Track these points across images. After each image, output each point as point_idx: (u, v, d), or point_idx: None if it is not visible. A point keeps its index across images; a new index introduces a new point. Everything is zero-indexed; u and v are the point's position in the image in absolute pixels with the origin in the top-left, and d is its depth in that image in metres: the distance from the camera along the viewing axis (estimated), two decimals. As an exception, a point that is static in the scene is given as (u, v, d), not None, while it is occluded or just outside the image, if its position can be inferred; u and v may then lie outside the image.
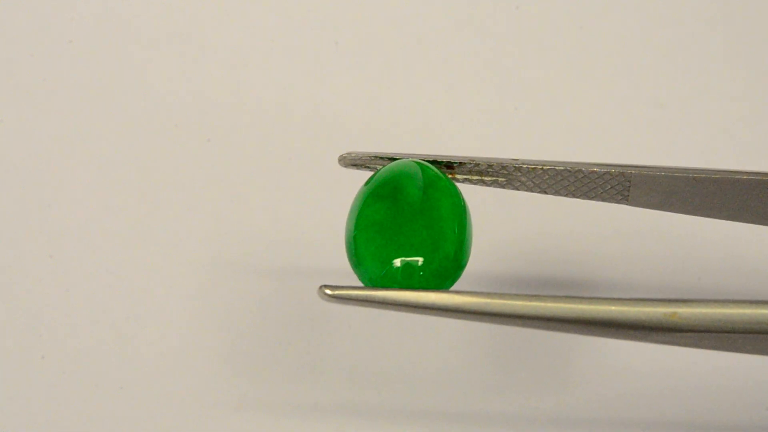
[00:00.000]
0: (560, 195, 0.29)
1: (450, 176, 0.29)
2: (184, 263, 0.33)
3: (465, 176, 0.29)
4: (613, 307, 0.26)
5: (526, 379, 0.32)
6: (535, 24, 0.35)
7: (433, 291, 0.26)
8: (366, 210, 0.28)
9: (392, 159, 0.29)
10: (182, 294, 0.32)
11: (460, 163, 0.29)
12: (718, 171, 0.29)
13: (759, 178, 0.28)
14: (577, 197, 0.29)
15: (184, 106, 0.34)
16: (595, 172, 0.28)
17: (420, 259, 0.27)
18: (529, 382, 0.32)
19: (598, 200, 0.29)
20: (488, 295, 0.26)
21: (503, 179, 0.29)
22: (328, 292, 0.26)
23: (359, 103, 0.34)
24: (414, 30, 0.35)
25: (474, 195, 0.31)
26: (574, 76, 0.35)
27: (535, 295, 0.26)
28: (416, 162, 0.28)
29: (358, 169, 0.29)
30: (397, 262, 0.27)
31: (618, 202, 0.29)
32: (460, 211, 0.28)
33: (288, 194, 0.33)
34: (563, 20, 0.35)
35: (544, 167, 0.28)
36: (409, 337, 0.32)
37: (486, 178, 0.29)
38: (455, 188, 0.28)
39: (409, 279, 0.27)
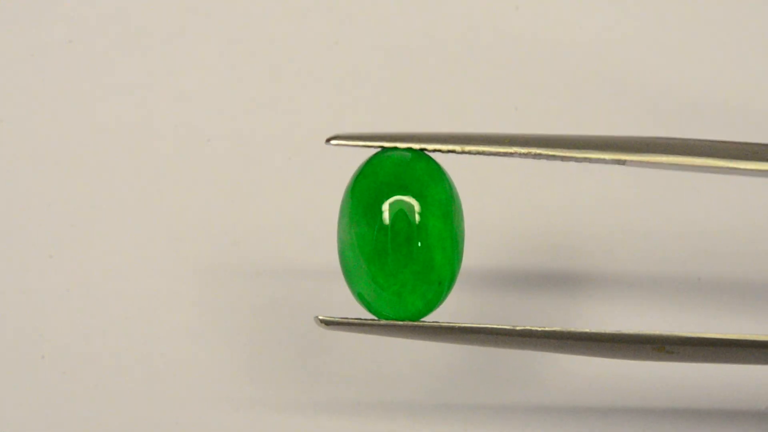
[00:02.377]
0: (555, 160, 0.29)
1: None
2: (184, 262, 0.33)
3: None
4: (602, 343, 0.28)
5: (516, 370, 0.32)
6: (535, 24, 0.35)
7: (422, 322, 0.28)
8: (351, 230, 0.28)
9: (381, 146, 0.29)
10: (183, 293, 0.32)
11: (450, 150, 0.29)
12: (717, 141, 0.29)
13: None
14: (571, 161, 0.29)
15: (184, 106, 0.34)
16: (589, 159, 0.28)
17: (408, 287, 0.28)
18: (519, 374, 0.32)
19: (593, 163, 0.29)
20: (478, 329, 0.28)
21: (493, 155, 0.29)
22: (322, 319, 0.28)
23: (359, 102, 0.34)
24: (413, 30, 0.35)
25: (462, 163, 0.30)
26: (574, 76, 0.35)
27: (525, 329, 0.28)
28: (402, 159, 0.28)
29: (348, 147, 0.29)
30: (386, 290, 0.28)
31: (614, 164, 0.29)
32: (450, 226, 0.28)
33: (288, 193, 0.33)
34: (563, 20, 0.35)
35: (537, 152, 0.28)
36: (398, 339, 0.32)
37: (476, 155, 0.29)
38: (445, 189, 0.28)
39: (398, 304, 0.28)
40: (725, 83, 0.35)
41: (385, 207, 0.28)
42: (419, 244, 0.27)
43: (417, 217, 0.28)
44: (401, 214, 0.27)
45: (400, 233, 0.27)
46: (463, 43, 0.35)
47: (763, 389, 0.31)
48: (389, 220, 0.27)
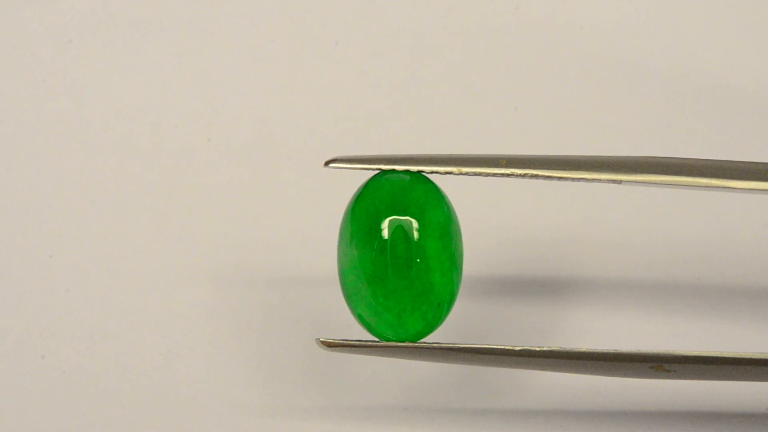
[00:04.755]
0: (552, 180, 0.29)
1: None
2: (185, 263, 0.33)
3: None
4: (599, 362, 0.28)
5: (509, 376, 0.32)
6: (536, 24, 0.35)
7: (422, 344, 0.28)
8: (351, 252, 0.28)
9: (379, 169, 0.29)
10: (183, 294, 0.32)
11: (447, 172, 0.29)
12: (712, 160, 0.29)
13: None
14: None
15: (184, 106, 0.34)
16: (585, 179, 0.29)
17: (408, 309, 0.28)
18: (512, 380, 0.32)
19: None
20: (477, 349, 0.28)
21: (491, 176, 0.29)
22: (323, 341, 0.29)
23: (359, 102, 0.34)
24: (413, 30, 0.35)
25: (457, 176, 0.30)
26: (574, 76, 0.35)
27: (525, 349, 0.28)
28: (400, 182, 0.28)
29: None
30: (386, 312, 0.28)
31: (610, 184, 0.29)
32: (449, 248, 0.28)
33: (291, 195, 0.33)
34: (563, 20, 0.35)
35: (534, 173, 0.29)
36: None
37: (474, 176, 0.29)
38: (443, 211, 0.28)
39: (398, 325, 0.28)
40: (726, 67, 0.35)
41: (385, 230, 0.28)
42: (418, 267, 0.28)
43: (416, 238, 0.28)
44: (400, 237, 0.28)
45: (399, 256, 0.28)
46: (462, 43, 0.35)
47: (763, 391, 0.31)
48: (389, 243, 0.28)
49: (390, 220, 0.28)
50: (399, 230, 0.28)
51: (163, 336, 0.32)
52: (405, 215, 0.28)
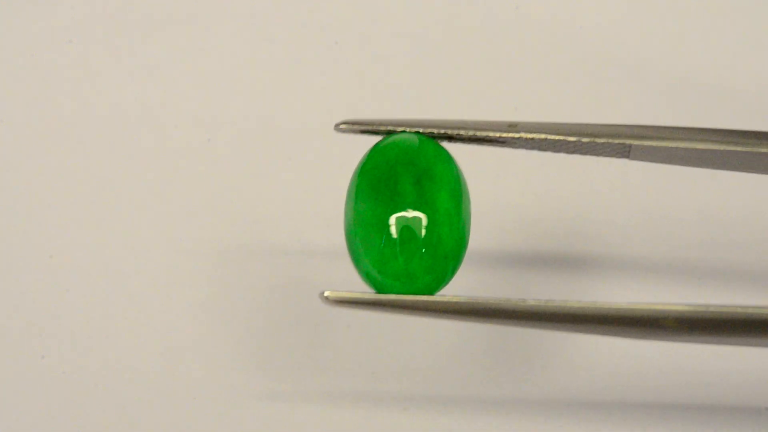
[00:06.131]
0: (560, 152, 0.29)
1: (448, 141, 0.29)
2: (185, 263, 0.33)
3: (462, 143, 0.29)
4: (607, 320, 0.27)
5: (519, 364, 0.32)
6: (536, 24, 0.35)
7: (429, 297, 0.27)
8: (359, 206, 0.28)
9: (389, 131, 0.29)
10: (183, 294, 0.32)
11: (458, 134, 0.29)
12: (721, 129, 0.29)
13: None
14: (577, 153, 0.29)
15: (184, 106, 0.34)
16: (595, 142, 0.28)
17: (415, 260, 0.27)
18: (523, 368, 0.32)
19: (598, 155, 0.29)
20: (479, 300, 0.27)
21: (501, 143, 0.29)
22: (328, 295, 0.27)
23: (360, 101, 0.34)
24: (413, 30, 0.35)
25: (469, 153, 0.30)
26: (574, 76, 0.35)
27: (536, 304, 0.27)
28: (411, 140, 0.28)
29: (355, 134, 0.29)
30: (394, 265, 0.27)
31: (619, 157, 0.29)
32: (458, 204, 0.28)
33: (291, 196, 0.33)
34: (563, 20, 0.35)
35: (543, 136, 0.28)
36: (408, 326, 0.32)
37: (483, 143, 0.29)
38: (453, 169, 0.28)
39: (406, 279, 0.28)
40: (725, 68, 0.35)
41: (395, 180, 0.28)
42: (427, 217, 0.27)
43: (425, 186, 0.28)
44: (410, 187, 0.28)
45: (408, 205, 0.27)
46: (462, 43, 0.35)
47: (763, 391, 0.31)
48: (399, 193, 0.27)
49: (400, 172, 0.28)
50: (409, 180, 0.28)
51: (163, 336, 0.32)
52: (415, 169, 0.28)
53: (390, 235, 0.27)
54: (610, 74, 0.35)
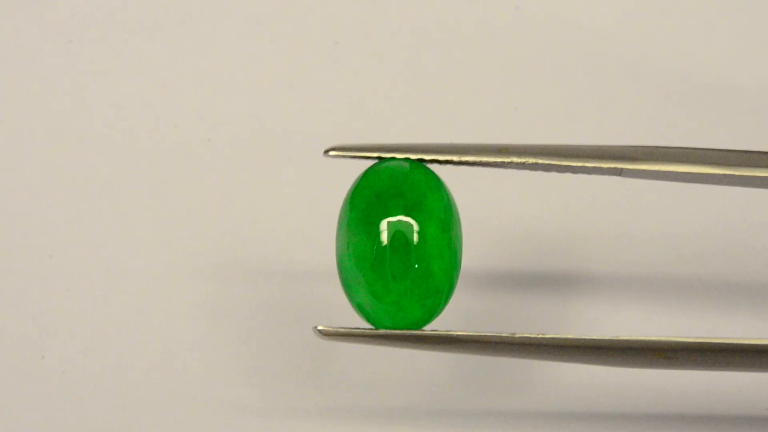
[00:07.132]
0: (550, 172, 0.29)
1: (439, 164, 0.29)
2: (185, 263, 0.33)
3: (453, 165, 0.29)
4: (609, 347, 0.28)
5: (512, 377, 0.32)
6: (536, 24, 0.35)
7: (421, 332, 0.28)
8: (350, 239, 0.28)
9: (379, 157, 0.29)
10: (183, 294, 0.32)
11: (447, 160, 0.29)
12: (710, 149, 0.29)
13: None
14: (568, 173, 0.29)
15: (184, 106, 0.34)
16: (586, 167, 0.28)
17: (407, 296, 0.28)
18: (516, 381, 0.32)
19: (590, 174, 0.29)
20: (472, 334, 0.28)
21: (492, 166, 0.29)
22: (321, 329, 0.28)
23: (360, 101, 0.34)
24: (413, 29, 0.35)
25: (459, 171, 0.30)
26: (574, 75, 0.35)
27: (524, 337, 0.28)
28: (400, 168, 0.28)
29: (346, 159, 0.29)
30: (385, 299, 0.28)
31: (610, 175, 0.29)
32: (448, 235, 0.28)
33: (290, 195, 0.33)
34: (563, 21, 0.35)
35: (533, 160, 0.28)
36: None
37: (474, 166, 0.29)
38: (443, 198, 0.28)
39: (397, 313, 0.28)
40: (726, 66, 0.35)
41: (384, 215, 0.28)
42: (418, 253, 0.27)
43: (416, 224, 0.28)
44: (400, 222, 0.28)
45: (398, 242, 0.27)
46: (462, 43, 0.35)
47: (764, 391, 0.31)
48: (388, 228, 0.28)
49: (389, 206, 0.28)
50: (399, 214, 0.28)
51: (162, 336, 0.32)
52: (404, 201, 0.28)
53: (382, 269, 0.27)
54: (610, 74, 0.35)
